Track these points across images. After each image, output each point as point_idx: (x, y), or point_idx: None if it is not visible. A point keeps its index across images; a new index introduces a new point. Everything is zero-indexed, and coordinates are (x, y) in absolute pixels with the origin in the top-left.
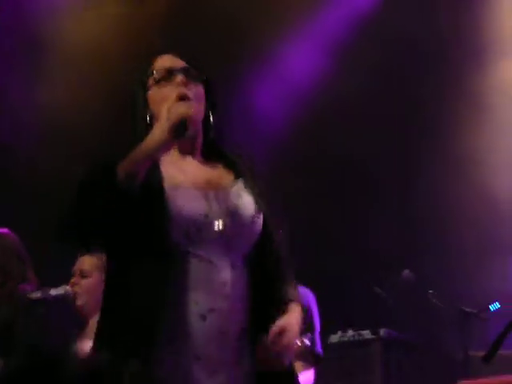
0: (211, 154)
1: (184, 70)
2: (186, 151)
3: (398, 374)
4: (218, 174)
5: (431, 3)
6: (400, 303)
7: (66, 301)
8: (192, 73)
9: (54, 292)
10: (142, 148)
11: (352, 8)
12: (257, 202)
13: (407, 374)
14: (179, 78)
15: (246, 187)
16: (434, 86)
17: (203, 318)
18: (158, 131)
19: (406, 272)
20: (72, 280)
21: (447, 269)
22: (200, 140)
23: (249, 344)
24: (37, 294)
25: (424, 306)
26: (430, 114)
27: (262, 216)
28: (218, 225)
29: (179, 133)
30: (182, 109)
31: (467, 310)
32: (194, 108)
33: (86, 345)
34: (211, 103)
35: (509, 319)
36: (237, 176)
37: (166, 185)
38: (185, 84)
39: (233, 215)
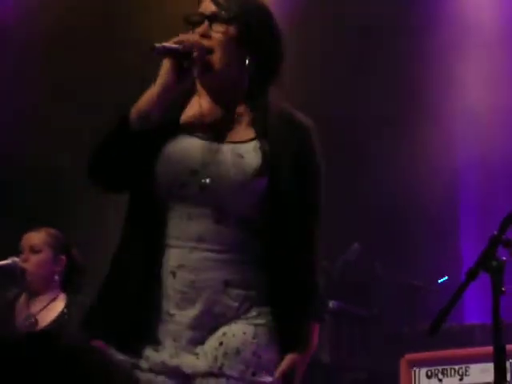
0: (255, 105)
1: (209, 17)
2: (215, 96)
3: (347, 347)
4: (237, 127)
5: None
6: (348, 276)
7: (11, 271)
8: (220, 18)
9: (1, 263)
10: (152, 87)
11: None
12: (262, 166)
13: (355, 347)
14: (201, 27)
15: (259, 148)
16: None
17: (173, 274)
18: (163, 68)
19: (356, 245)
20: (22, 256)
21: (397, 243)
22: (235, 86)
23: (237, 296)
24: None
25: (372, 278)
26: None
27: (262, 180)
28: (204, 182)
29: (181, 66)
30: (179, 39)
31: (415, 282)
32: (212, 50)
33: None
34: (251, 46)
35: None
36: (258, 134)
37: (173, 129)
38: (206, 33)
39: (224, 173)
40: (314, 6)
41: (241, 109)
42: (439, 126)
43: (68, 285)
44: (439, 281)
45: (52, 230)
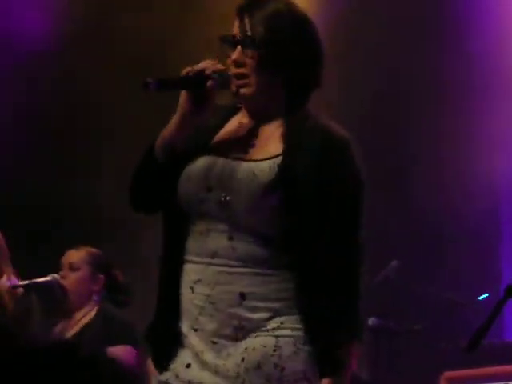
0: (290, 119)
1: (236, 42)
2: (252, 113)
3: (386, 363)
4: (263, 143)
5: None
6: (388, 293)
7: (51, 288)
8: (246, 43)
9: (40, 280)
10: (173, 118)
11: None
12: (274, 183)
13: (395, 364)
14: (233, 53)
15: (277, 165)
16: None
17: (192, 289)
18: (180, 98)
19: (395, 262)
20: (61, 273)
21: (438, 259)
22: (270, 106)
23: (255, 308)
24: (24, 282)
25: (413, 295)
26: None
27: (273, 197)
28: (221, 199)
29: (196, 92)
30: (197, 66)
31: (455, 299)
32: (242, 76)
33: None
34: (284, 67)
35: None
36: (282, 151)
37: (197, 151)
38: (237, 59)
39: (237, 190)
40: None
41: (275, 124)
42: (480, 139)
43: (106, 303)
44: (479, 298)
45: (92, 249)
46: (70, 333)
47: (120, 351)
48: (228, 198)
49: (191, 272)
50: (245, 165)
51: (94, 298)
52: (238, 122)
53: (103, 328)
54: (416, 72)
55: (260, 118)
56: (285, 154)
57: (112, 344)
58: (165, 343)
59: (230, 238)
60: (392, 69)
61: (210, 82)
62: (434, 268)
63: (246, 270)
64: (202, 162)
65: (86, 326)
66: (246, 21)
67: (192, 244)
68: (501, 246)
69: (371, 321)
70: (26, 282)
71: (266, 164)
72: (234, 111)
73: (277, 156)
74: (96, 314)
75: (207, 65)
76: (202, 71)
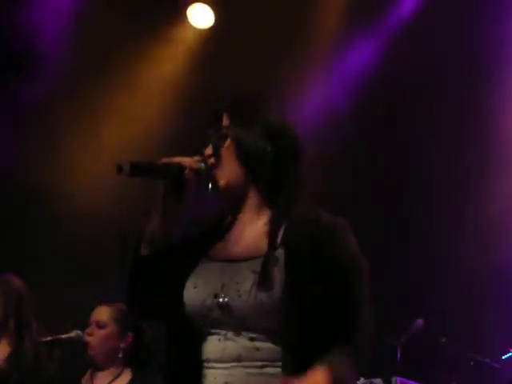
0: (277, 212)
1: (207, 142)
2: (237, 212)
3: None
4: (258, 239)
5: None
6: (412, 351)
7: (74, 344)
8: (212, 140)
9: (64, 336)
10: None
11: None
12: (268, 280)
13: None
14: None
15: (272, 259)
16: None
17: None
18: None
19: (420, 321)
20: (87, 330)
21: (462, 316)
22: (246, 200)
23: None
24: (47, 338)
25: (436, 354)
26: None
27: (272, 293)
28: (221, 302)
29: (173, 183)
30: (174, 158)
31: (479, 358)
32: (215, 167)
33: None
34: (244, 157)
35: None
36: (276, 245)
37: (197, 254)
38: (207, 157)
39: (240, 290)
40: None
41: (262, 219)
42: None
43: (134, 361)
44: (503, 357)
45: (122, 306)
46: None
47: None
48: (231, 300)
49: (217, 375)
50: (246, 264)
51: (120, 354)
52: (228, 223)
53: None
54: None
55: (245, 213)
56: (277, 249)
57: None
58: None
59: (252, 340)
60: None
61: (187, 170)
62: (460, 325)
63: (275, 371)
64: (204, 269)
65: None
66: (222, 115)
67: (212, 350)
68: None
69: (394, 380)
70: (49, 337)
71: (264, 260)
72: (223, 215)
73: (269, 251)
74: (132, 379)
75: (184, 158)
76: (179, 162)
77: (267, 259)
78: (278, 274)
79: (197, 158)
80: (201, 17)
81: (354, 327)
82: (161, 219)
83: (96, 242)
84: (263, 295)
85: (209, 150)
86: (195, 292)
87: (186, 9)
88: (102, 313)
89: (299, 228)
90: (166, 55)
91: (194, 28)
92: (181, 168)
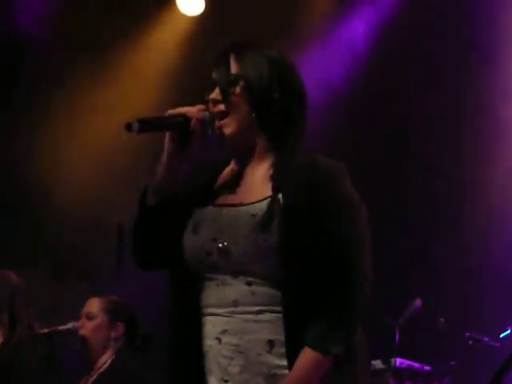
0: (279, 158)
1: (212, 87)
2: (239, 157)
3: None
4: (257, 185)
5: None
6: (411, 332)
7: (71, 335)
8: (222, 86)
9: (61, 327)
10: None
11: None
12: (270, 223)
13: None
14: (208, 99)
15: (271, 204)
16: None
17: (218, 340)
18: (165, 139)
19: (418, 301)
20: (78, 322)
21: (459, 296)
22: (253, 146)
23: (283, 355)
24: (44, 330)
25: (435, 334)
26: None
27: (272, 237)
28: (220, 246)
29: (180, 134)
30: (179, 109)
31: (478, 337)
32: (222, 116)
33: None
34: (256, 105)
35: None
36: (274, 190)
37: (198, 201)
38: (215, 98)
39: (238, 235)
40: None
41: (264, 166)
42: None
43: (123, 352)
44: (501, 335)
45: (113, 297)
46: (89, 381)
47: None
48: (230, 244)
49: (215, 323)
50: (244, 209)
51: (112, 343)
52: (230, 170)
53: (115, 379)
54: None
55: (246, 161)
56: (275, 194)
57: None
58: None
59: (248, 284)
60: None
61: (193, 121)
62: (457, 305)
63: (270, 317)
64: (203, 215)
65: (102, 374)
66: (230, 60)
67: (210, 296)
68: None
69: (393, 361)
70: (46, 329)
71: (262, 205)
72: (225, 163)
73: (268, 197)
74: (110, 364)
75: (189, 108)
76: (185, 113)
77: (273, 201)
78: (277, 218)
79: (200, 106)
80: (191, 3)
81: (352, 267)
82: (166, 169)
83: (94, 231)
84: (262, 239)
85: (215, 95)
86: (195, 237)
87: None
88: (92, 305)
89: (297, 173)
90: (156, 42)
91: (184, 15)
92: (186, 119)
